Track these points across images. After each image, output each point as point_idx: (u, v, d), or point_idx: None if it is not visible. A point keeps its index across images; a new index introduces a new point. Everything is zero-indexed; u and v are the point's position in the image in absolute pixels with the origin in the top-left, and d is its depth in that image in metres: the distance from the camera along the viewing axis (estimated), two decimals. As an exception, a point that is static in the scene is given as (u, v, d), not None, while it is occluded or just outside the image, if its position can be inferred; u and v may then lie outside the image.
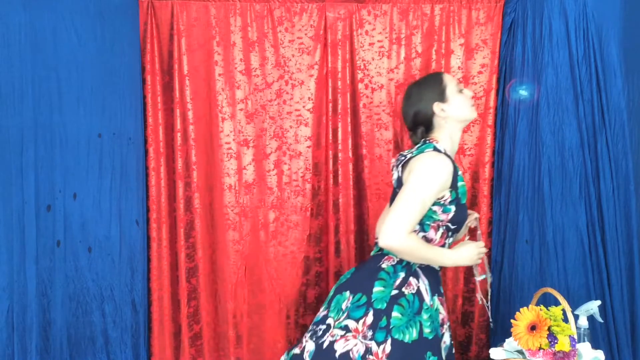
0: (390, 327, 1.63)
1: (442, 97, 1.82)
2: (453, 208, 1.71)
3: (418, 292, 1.71)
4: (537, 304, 1.59)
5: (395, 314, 1.65)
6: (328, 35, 2.35)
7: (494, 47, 2.37)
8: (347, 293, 1.73)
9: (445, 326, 1.78)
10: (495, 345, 1.68)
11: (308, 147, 2.39)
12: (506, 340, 1.64)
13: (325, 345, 1.65)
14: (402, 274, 1.72)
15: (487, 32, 2.36)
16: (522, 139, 2.27)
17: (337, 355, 1.62)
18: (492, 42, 2.37)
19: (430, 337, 1.66)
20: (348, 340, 1.64)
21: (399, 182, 1.80)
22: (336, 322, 1.69)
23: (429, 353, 1.65)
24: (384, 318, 1.65)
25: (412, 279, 1.72)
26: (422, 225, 1.73)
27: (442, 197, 1.69)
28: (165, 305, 2.37)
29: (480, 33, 2.36)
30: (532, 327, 1.49)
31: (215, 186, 2.38)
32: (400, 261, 1.74)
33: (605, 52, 2.13)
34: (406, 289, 1.70)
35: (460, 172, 1.76)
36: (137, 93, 2.29)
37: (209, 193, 2.39)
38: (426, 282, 1.73)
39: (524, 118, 2.27)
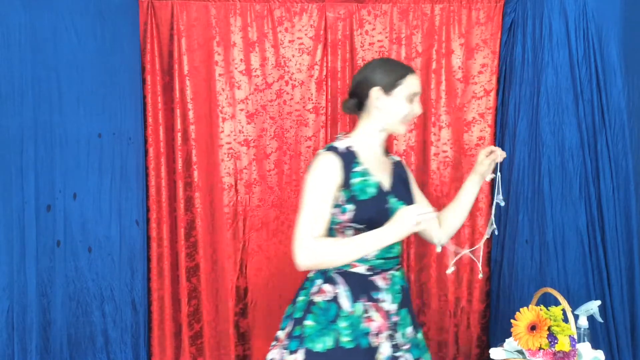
0: (304, 336, 1.60)
1: (387, 88, 1.64)
2: (351, 207, 1.57)
3: (334, 299, 1.62)
4: (537, 304, 1.59)
5: (308, 322, 1.61)
6: (328, 35, 2.35)
7: (494, 47, 2.37)
8: (290, 305, 1.75)
9: (383, 335, 1.65)
10: (495, 346, 1.68)
11: (308, 147, 2.39)
12: (506, 340, 1.64)
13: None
14: (318, 281, 1.66)
15: (487, 32, 2.36)
16: (522, 139, 2.27)
17: None
18: (492, 42, 2.37)
19: (348, 347, 1.57)
20: (274, 349, 1.67)
21: None
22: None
23: None
24: (298, 327, 1.62)
25: (326, 286, 1.64)
26: (330, 232, 1.63)
27: (338, 198, 1.58)
28: (165, 304, 2.37)
29: (481, 33, 2.36)
30: (532, 327, 1.49)
31: (216, 186, 2.38)
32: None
33: (605, 52, 2.13)
34: (319, 296, 1.63)
35: (360, 168, 1.61)
36: (137, 93, 2.29)
37: (210, 193, 2.39)
38: (346, 287, 1.62)
39: (524, 118, 2.27)
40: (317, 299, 1.64)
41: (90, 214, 2.22)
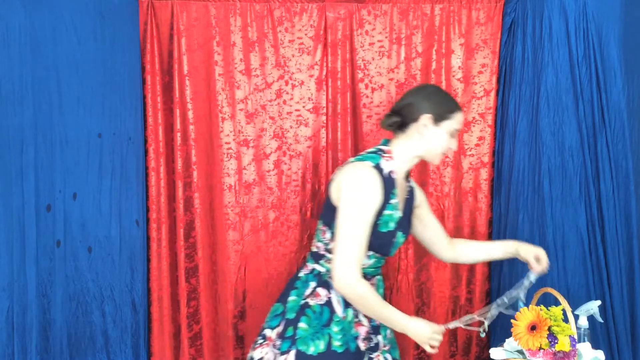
0: (296, 337, 1.61)
1: (437, 119, 1.64)
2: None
3: (328, 303, 1.63)
4: (537, 304, 1.59)
5: (301, 324, 1.62)
6: (328, 35, 2.35)
7: (494, 47, 2.37)
8: (277, 303, 1.75)
9: (374, 341, 1.69)
10: (496, 345, 1.68)
11: (308, 147, 2.39)
12: (506, 340, 1.64)
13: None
14: (312, 284, 1.67)
15: (487, 32, 2.36)
16: (522, 139, 2.27)
17: None
18: (492, 42, 2.37)
19: (340, 351, 1.60)
20: (263, 347, 1.68)
21: (328, 199, 1.67)
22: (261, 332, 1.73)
23: None
24: (291, 328, 1.63)
25: (320, 290, 1.65)
26: (334, 235, 1.61)
27: None
28: (165, 305, 2.37)
29: (481, 33, 2.36)
30: (532, 327, 1.49)
31: (215, 186, 2.38)
32: (313, 270, 1.69)
33: (605, 52, 2.13)
34: (313, 299, 1.65)
35: (394, 201, 1.62)
36: (137, 93, 2.29)
37: (209, 193, 2.39)
38: (338, 293, 1.63)
39: (524, 118, 2.27)
40: (311, 302, 1.65)
41: (90, 214, 2.22)
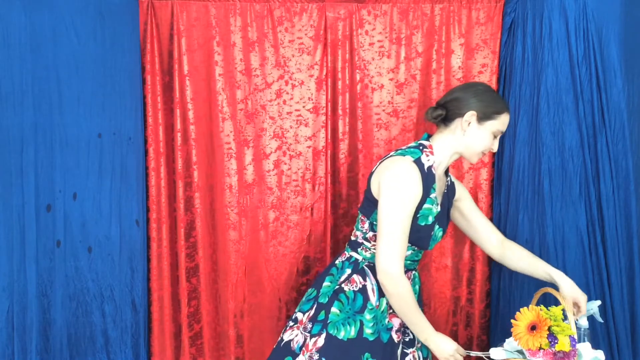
0: (328, 321, 1.63)
1: (482, 118, 1.66)
2: None
3: (362, 290, 1.66)
4: (537, 304, 1.59)
5: (334, 309, 1.64)
6: (328, 35, 2.35)
7: (494, 47, 2.37)
8: (311, 288, 1.79)
9: (410, 336, 1.69)
10: (496, 345, 1.68)
11: (308, 147, 2.39)
12: (506, 340, 1.64)
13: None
14: (348, 270, 1.70)
15: (487, 32, 2.36)
16: (522, 139, 2.27)
17: (282, 343, 1.72)
18: (492, 42, 2.37)
19: (371, 339, 1.62)
20: (293, 330, 1.71)
21: (368, 191, 1.70)
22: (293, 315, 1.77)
23: (367, 354, 1.61)
24: (323, 312, 1.66)
25: (356, 277, 1.68)
26: (372, 226, 1.67)
27: None
28: (165, 305, 2.37)
29: (481, 33, 2.36)
30: (532, 327, 1.49)
31: (216, 186, 2.39)
32: (350, 257, 1.72)
33: (605, 52, 2.13)
34: (347, 285, 1.67)
35: (434, 195, 1.65)
36: (137, 93, 2.29)
37: (209, 193, 2.39)
38: (374, 282, 1.67)
39: (524, 118, 2.27)
40: (346, 287, 1.68)
41: (90, 214, 2.22)
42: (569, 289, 1.75)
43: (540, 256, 2.20)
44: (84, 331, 2.24)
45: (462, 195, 1.90)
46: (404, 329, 1.72)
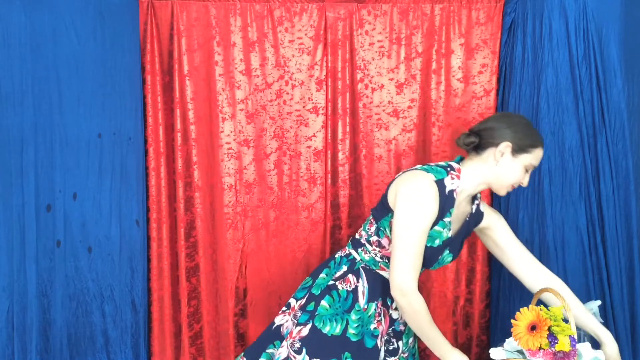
0: (315, 313, 1.63)
1: (517, 150, 1.63)
2: None
3: (354, 291, 1.66)
4: (537, 304, 1.59)
5: (324, 302, 1.65)
6: (328, 35, 2.35)
7: (494, 47, 2.37)
8: (309, 277, 1.81)
9: (394, 345, 1.69)
10: (496, 345, 1.68)
11: (308, 147, 2.39)
12: (506, 340, 1.64)
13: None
14: (344, 267, 1.70)
15: (487, 32, 2.36)
16: (522, 139, 2.27)
17: (273, 327, 1.74)
18: (492, 42, 2.37)
19: (353, 339, 1.61)
20: (285, 315, 1.73)
21: (384, 197, 1.68)
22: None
23: (347, 354, 1.60)
24: (313, 303, 1.67)
25: (350, 276, 1.68)
26: (378, 231, 1.66)
27: None
28: (165, 305, 2.37)
29: (481, 33, 2.36)
30: (532, 327, 1.49)
31: (216, 186, 2.39)
32: (349, 255, 1.72)
33: (605, 52, 2.13)
34: (341, 283, 1.68)
35: (448, 220, 1.62)
36: (137, 93, 2.29)
37: (210, 193, 2.39)
38: (366, 285, 1.67)
39: (524, 118, 2.27)
40: (340, 286, 1.68)
41: (90, 214, 2.22)
42: (611, 352, 1.68)
43: (540, 256, 2.21)
44: (84, 331, 2.25)
45: (494, 224, 1.82)
46: (387, 337, 1.71)
